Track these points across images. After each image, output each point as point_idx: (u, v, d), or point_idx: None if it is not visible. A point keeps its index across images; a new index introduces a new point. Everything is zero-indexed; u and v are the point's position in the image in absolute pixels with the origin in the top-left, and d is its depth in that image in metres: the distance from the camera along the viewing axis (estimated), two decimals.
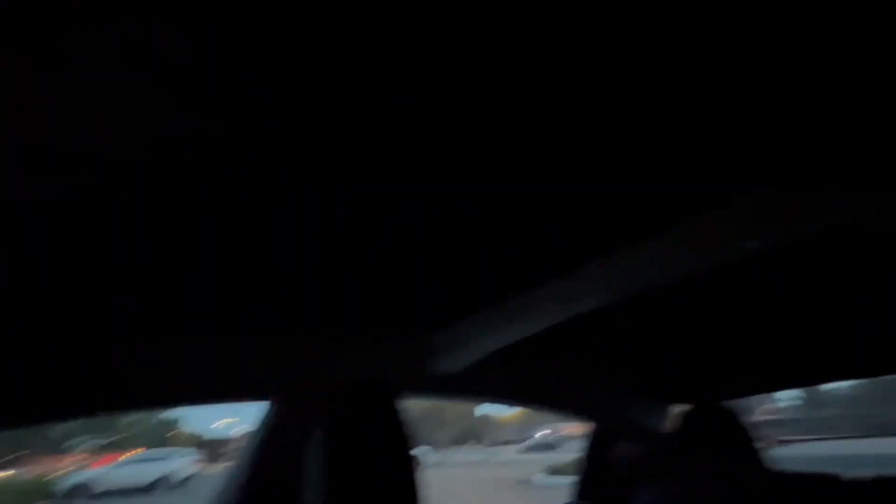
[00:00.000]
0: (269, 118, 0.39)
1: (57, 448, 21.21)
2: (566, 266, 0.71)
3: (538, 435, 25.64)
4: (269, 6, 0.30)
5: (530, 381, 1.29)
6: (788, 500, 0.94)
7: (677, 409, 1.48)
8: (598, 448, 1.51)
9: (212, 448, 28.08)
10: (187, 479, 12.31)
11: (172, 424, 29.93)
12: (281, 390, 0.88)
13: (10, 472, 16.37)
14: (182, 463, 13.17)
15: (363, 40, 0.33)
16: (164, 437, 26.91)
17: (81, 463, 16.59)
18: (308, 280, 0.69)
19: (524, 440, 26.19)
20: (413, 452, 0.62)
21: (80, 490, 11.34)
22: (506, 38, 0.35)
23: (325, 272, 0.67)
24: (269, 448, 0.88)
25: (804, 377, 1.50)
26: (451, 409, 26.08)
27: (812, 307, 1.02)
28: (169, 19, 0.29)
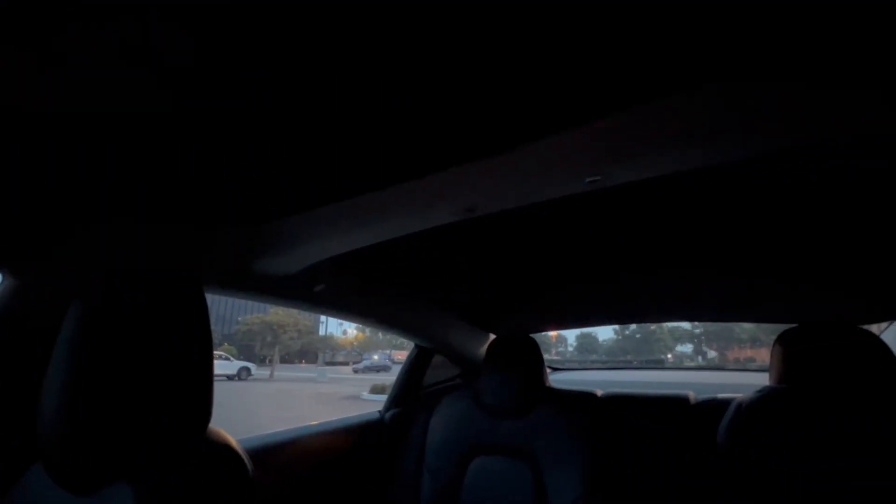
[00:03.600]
0: None
1: None
2: (414, 173, 0.62)
3: (374, 357, 27.44)
4: None
5: (362, 295, 1.23)
6: (555, 408, 1.25)
7: (490, 337, 1.74)
8: (416, 363, 1.68)
9: None
10: None
11: None
12: (32, 261, 0.65)
13: None
14: None
15: None
16: None
17: None
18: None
19: (356, 362, 27.75)
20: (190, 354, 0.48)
21: None
22: None
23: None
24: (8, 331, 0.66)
25: (585, 320, 1.88)
26: (290, 327, 25.67)
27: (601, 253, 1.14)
28: None
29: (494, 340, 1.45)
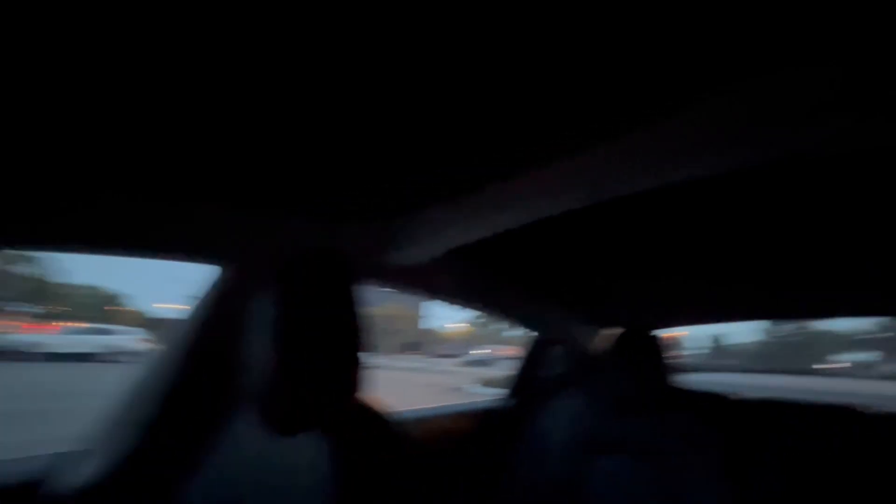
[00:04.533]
0: None
1: None
2: (536, 162, 0.66)
3: (475, 352, 27.97)
4: None
5: (483, 284, 1.27)
6: (684, 409, 1.13)
7: (608, 332, 1.67)
8: (533, 355, 1.67)
9: (155, 327, 28.33)
10: (133, 354, 12.52)
11: (112, 300, 29.52)
12: (233, 258, 0.84)
13: None
14: (127, 339, 13.45)
15: None
16: (104, 312, 26.64)
17: (13, 327, 16.32)
18: (269, 152, 0.64)
19: (461, 355, 28.51)
20: (361, 328, 0.58)
21: (19, 349, 11.57)
22: None
23: (285, 146, 0.61)
24: (214, 314, 0.85)
25: (725, 315, 1.68)
26: (398, 320, 27.48)
27: (755, 241, 1.05)
28: None
29: (621, 335, 1.37)
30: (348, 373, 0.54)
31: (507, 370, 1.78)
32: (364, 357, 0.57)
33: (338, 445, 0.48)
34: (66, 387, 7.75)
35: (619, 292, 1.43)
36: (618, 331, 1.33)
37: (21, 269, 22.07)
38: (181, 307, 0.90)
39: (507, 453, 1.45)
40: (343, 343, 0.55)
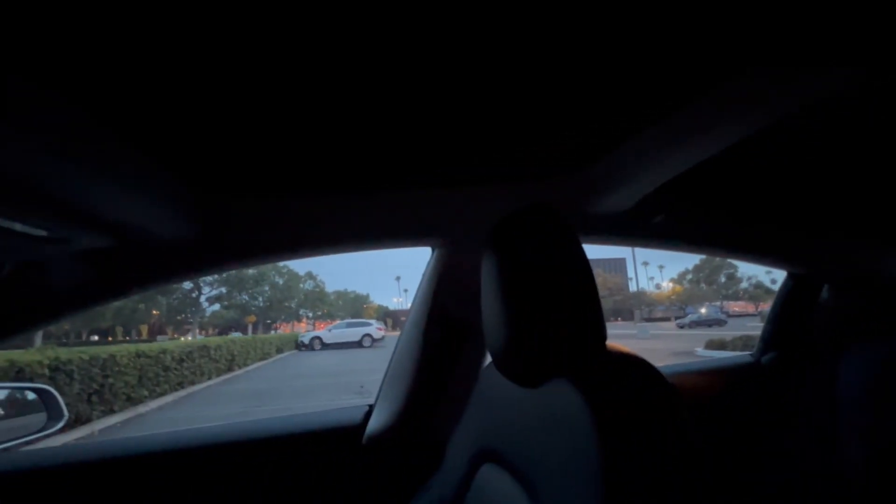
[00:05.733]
0: None
1: (295, 317, 29.83)
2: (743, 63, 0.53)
3: (701, 311, 24.10)
4: None
5: (708, 221, 1.06)
6: None
7: None
8: (796, 297, 1.31)
9: (393, 317, 35.46)
10: (379, 339, 17.50)
11: (365, 300, 37.78)
12: (443, 236, 0.92)
13: (272, 333, 24.17)
14: (375, 328, 18.25)
15: None
16: (359, 310, 34.44)
17: (307, 327, 23.36)
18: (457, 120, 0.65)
19: (679, 317, 25.01)
20: (586, 273, 0.56)
21: (314, 341, 17.53)
22: None
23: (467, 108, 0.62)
24: (442, 287, 0.95)
25: None
26: (603, 285, 26.07)
27: None
28: None
29: None
30: (582, 319, 0.54)
31: (736, 329, 1.45)
32: (596, 302, 0.55)
33: (591, 393, 0.46)
34: (339, 367, 10.51)
35: None
36: None
37: (305, 285, 30.64)
38: (401, 300, 1.13)
39: (773, 410, 1.19)
40: (569, 290, 0.54)
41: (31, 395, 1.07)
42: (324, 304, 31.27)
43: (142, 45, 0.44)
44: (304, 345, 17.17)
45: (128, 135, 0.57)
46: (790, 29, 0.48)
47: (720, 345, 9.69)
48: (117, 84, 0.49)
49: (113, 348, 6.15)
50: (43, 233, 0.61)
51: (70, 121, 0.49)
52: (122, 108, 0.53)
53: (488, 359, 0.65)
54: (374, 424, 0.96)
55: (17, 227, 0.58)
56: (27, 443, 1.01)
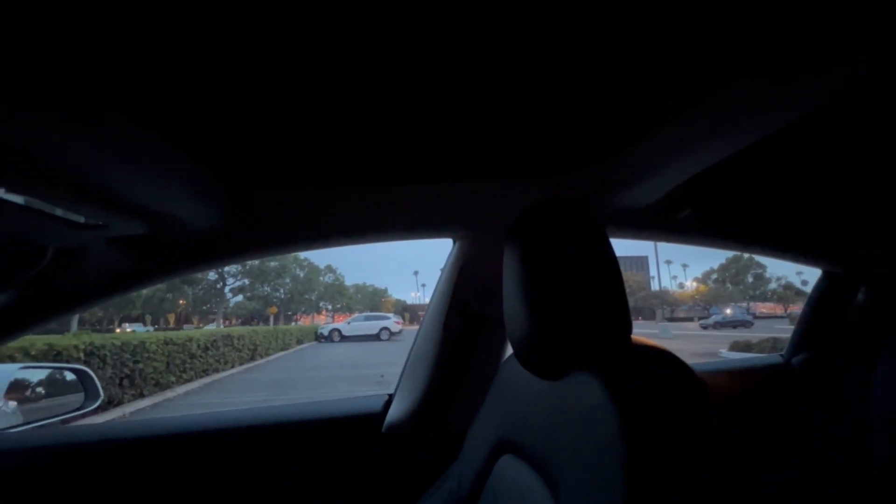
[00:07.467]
0: None
1: (315, 309, 30.42)
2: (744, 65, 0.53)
3: (726, 311, 23.39)
4: None
5: (739, 217, 1.04)
6: None
7: None
8: (830, 297, 1.27)
9: (410, 312, 35.77)
10: (397, 333, 17.71)
11: (383, 294, 38.22)
12: (465, 228, 0.92)
13: (293, 324, 24.89)
14: (393, 321, 18.47)
15: None
16: (377, 303, 34.86)
17: (327, 319, 23.79)
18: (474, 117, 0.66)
19: (703, 318, 24.33)
20: (611, 266, 0.55)
21: (334, 333, 17.84)
22: None
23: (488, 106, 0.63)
24: (460, 281, 0.96)
25: None
26: (624, 281, 25.60)
27: None
28: None
29: None
30: (606, 311, 0.53)
31: (763, 332, 1.40)
32: (621, 295, 0.54)
33: (615, 386, 0.46)
34: (358, 359, 10.64)
35: None
36: None
37: (325, 278, 31.19)
38: (419, 294, 1.13)
39: (804, 412, 1.17)
40: (594, 283, 0.53)
41: (69, 376, 1.14)
42: (343, 297, 31.77)
43: (180, 56, 0.46)
44: (323, 336, 17.44)
45: (166, 133, 0.60)
46: (821, 18, 0.45)
47: (746, 347, 9.37)
48: (158, 88, 0.51)
49: (142, 335, 6.41)
50: (80, 218, 0.64)
51: (116, 122, 0.52)
52: (161, 110, 0.56)
53: (509, 350, 0.65)
54: (393, 413, 0.97)
55: (58, 212, 0.61)
56: (65, 421, 1.07)
